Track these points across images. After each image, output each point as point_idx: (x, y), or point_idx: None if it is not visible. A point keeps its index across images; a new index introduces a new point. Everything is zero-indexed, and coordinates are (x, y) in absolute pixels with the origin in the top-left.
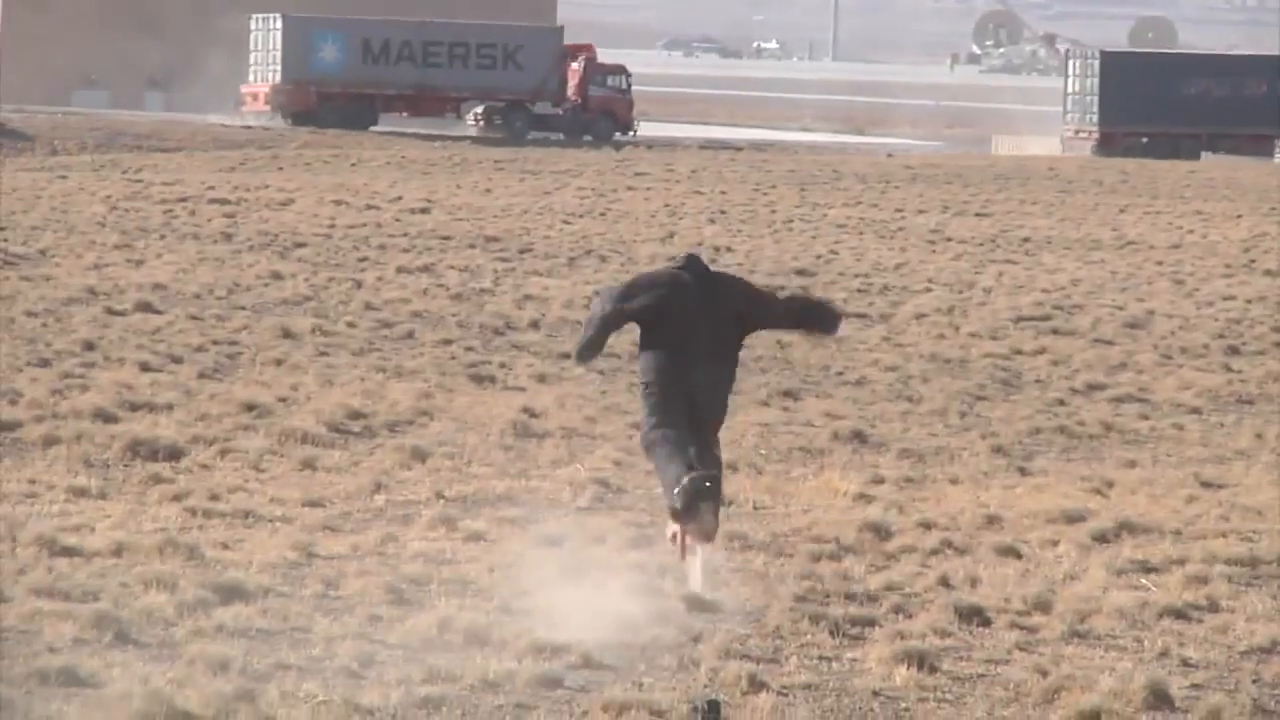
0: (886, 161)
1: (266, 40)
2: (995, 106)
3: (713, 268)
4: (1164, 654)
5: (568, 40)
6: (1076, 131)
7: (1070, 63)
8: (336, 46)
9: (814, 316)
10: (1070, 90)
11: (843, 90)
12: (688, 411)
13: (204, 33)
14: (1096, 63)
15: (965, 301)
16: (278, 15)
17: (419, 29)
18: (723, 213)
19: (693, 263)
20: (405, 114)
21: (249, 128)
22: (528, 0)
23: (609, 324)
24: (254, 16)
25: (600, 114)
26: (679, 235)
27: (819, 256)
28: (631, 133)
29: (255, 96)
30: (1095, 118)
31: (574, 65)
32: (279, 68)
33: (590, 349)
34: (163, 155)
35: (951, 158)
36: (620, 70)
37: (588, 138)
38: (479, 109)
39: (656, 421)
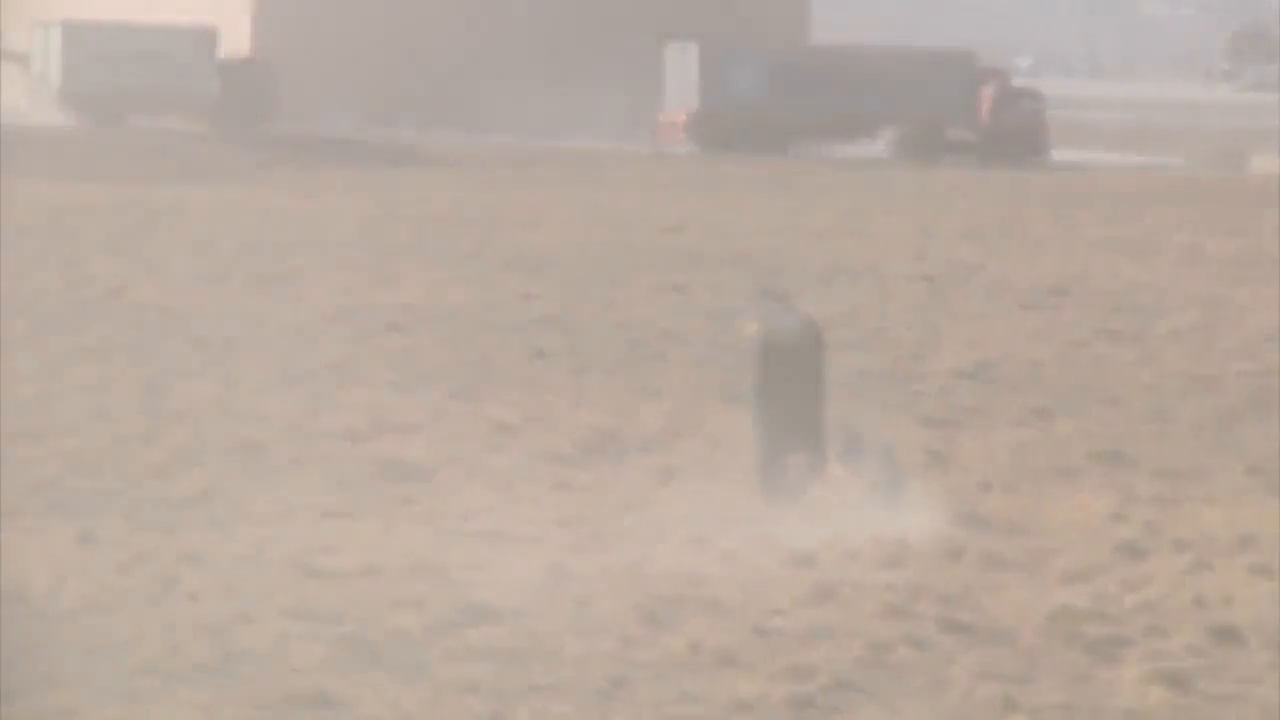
0: (1140, 179)
1: (683, 70)
2: (1251, 124)
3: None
4: None
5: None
6: None
7: None
8: (752, 74)
9: None
10: None
11: (1100, 107)
12: None
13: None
14: None
15: (1219, 320)
16: (693, 44)
17: (833, 55)
18: (976, 230)
19: None
20: (820, 140)
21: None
22: (780, 20)
23: None
24: (670, 45)
25: (1013, 137)
26: (931, 254)
27: (1073, 274)
28: (1046, 155)
29: (673, 125)
30: None
31: (986, 89)
32: (696, 96)
33: None
34: (410, 173)
35: (1208, 176)
36: (1033, 94)
37: (1001, 161)
38: (892, 134)
39: None
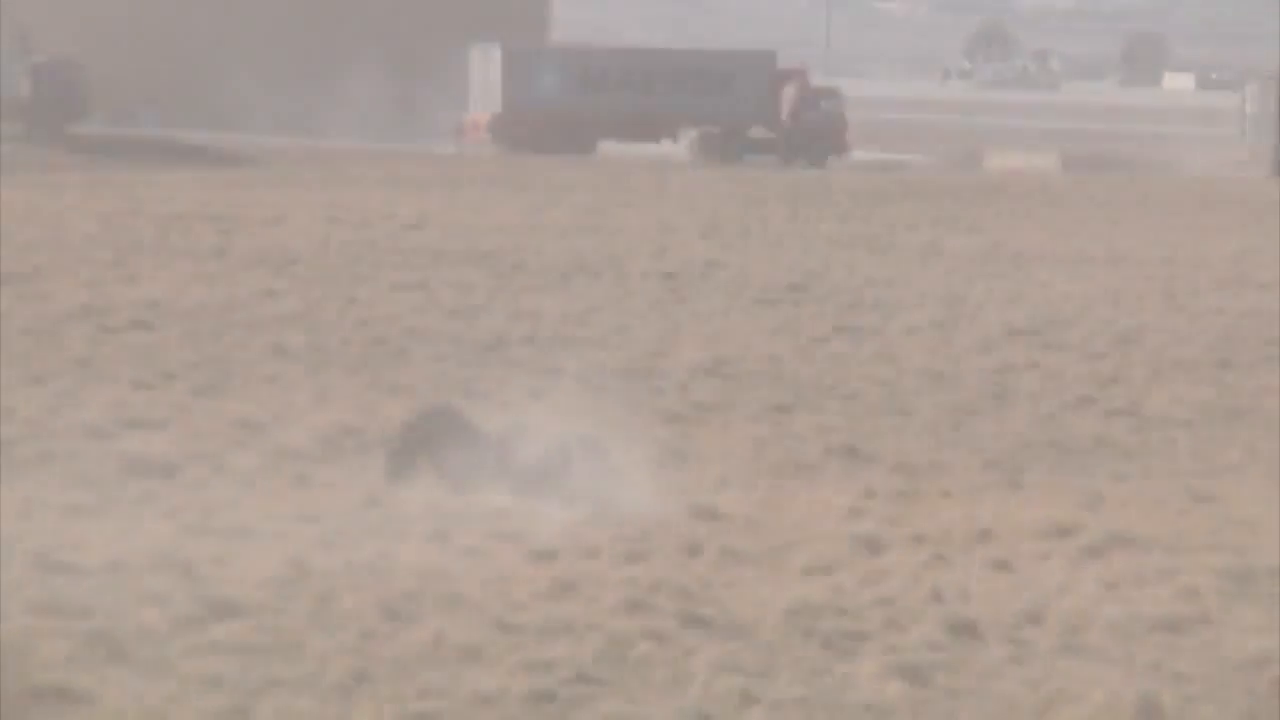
0: (878, 176)
1: (486, 71)
2: (988, 121)
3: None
4: (1155, 667)
5: None
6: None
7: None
8: (556, 76)
9: None
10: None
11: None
12: None
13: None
14: None
15: (957, 316)
16: (496, 45)
17: (636, 57)
18: (715, 228)
19: None
20: (623, 140)
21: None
22: (522, 19)
23: None
24: (474, 48)
25: (813, 137)
26: (671, 251)
27: (811, 271)
28: (846, 155)
29: (476, 125)
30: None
31: (787, 89)
32: (499, 97)
33: None
34: (157, 172)
35: (944, 173)
36: (833, 94)
37: (802, 161)
38: (694, 134)
39: None
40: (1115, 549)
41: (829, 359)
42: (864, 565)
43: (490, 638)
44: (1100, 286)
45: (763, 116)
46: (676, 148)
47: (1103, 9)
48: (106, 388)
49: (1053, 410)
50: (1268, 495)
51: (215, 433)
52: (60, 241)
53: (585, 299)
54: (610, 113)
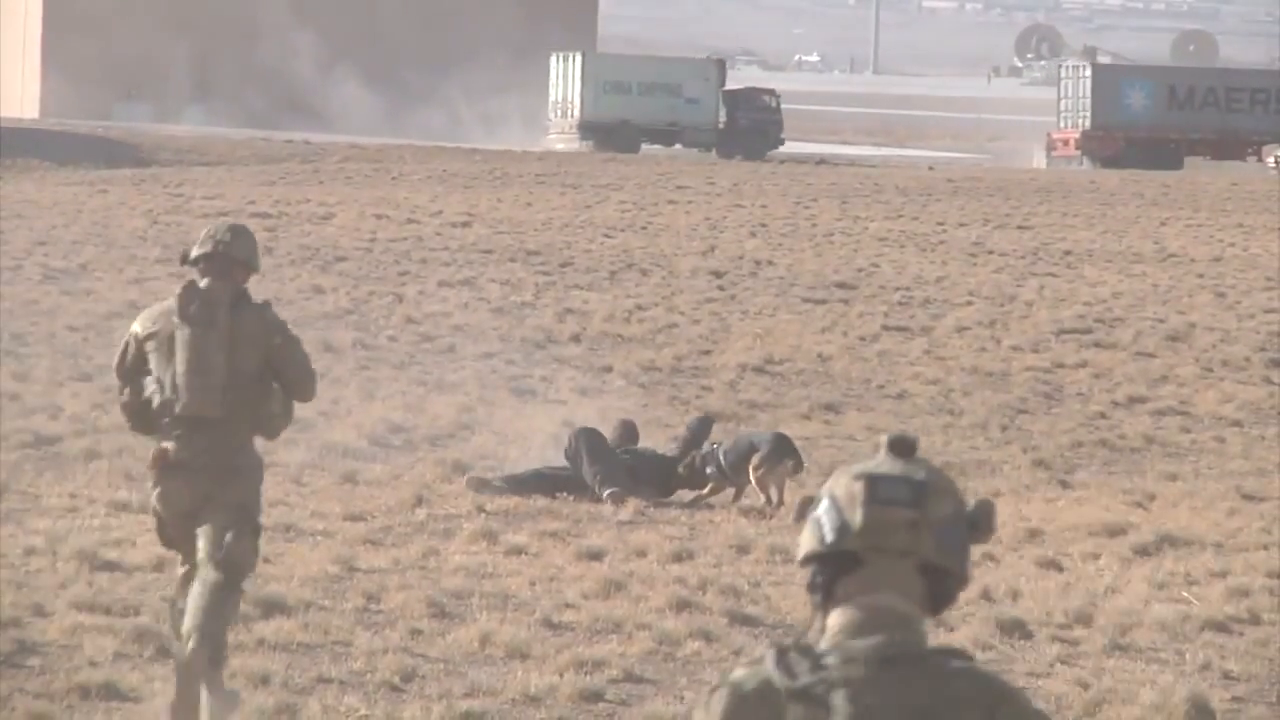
0: (928, 174)
1: (1076, 88)
2: (1036, 119)
3: None
4: (1205, 667)
5: None
6: None
7: None
8: (1144, 94)
9: None
10: None
11: (883, 104)
12: None
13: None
14: None
15: (1006, 315)
16: (1087, 64)
17: (1222, 76)
18: (764, 226)
19: None
20: (1207, 157)
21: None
22: (566, 17)
23: None
24: (1063, 65)
25: None
26: (720, 249)
27: (860, 270)
28: None
29: (1065, 142)
30: None
31: None
32: (1088, 114)
33: None
34: (203, 169)
35: (993, 170)
36: None
37: None
38: (1278, 152)
39: None
40: (1165, 548)
41: (877, 357)
42: None
43: (539, 636)
44: (1150, 285)
45: None
46: (1261, 165)
47: (1152, 7)
48: None
49: (1102, 409)
50: None
51: None
52: (106, 238)
53: (634, 296)
54: (1196, 130)
